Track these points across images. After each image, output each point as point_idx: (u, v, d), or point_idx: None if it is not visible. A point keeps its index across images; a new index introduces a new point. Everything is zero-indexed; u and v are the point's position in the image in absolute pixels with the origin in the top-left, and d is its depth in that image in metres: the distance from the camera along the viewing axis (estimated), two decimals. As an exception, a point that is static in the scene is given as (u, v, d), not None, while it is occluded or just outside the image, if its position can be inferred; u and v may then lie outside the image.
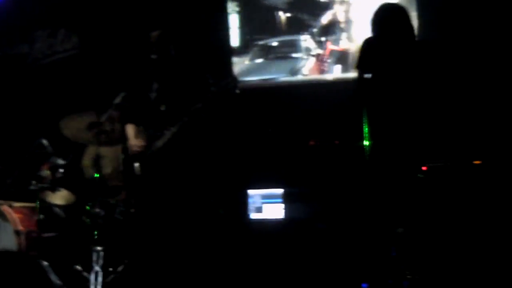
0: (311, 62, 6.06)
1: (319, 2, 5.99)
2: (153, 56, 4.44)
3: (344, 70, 5.96)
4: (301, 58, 6.07)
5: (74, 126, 4.85)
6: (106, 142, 4.82)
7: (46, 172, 4.93)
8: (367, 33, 4.26)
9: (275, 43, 6.22)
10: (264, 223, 5.26)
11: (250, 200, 5.39)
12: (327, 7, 5.98)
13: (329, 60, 6.00)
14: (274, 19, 6.21)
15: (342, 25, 5.96)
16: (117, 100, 4.38)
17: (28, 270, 4.56)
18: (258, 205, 5.38)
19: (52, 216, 5.03)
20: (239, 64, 6.25)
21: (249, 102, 5.83)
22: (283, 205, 5.26)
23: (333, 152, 5.30)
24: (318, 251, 4.72)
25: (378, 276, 3.89)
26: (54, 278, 4.49)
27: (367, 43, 4.24)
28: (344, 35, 5.97)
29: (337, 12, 5.94)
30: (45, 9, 6.78)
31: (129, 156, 4.57)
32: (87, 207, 4.96)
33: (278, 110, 5.87)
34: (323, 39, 6.06)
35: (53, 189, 4.97)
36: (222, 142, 5.31)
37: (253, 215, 5.38)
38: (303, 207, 5.13)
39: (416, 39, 4.28)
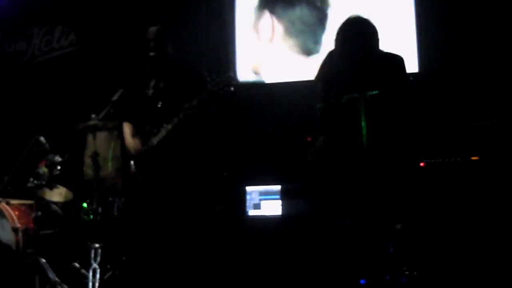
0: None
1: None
2: (151, 53, 4.43)
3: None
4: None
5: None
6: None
7: (43, 169, 4.93)
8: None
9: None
10: (262, 219, 5.26)
11: (248, 197, 5.39)
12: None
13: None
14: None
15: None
16: (115, 97, 4.38)
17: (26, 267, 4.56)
18: (256, 201, 5.38)
19: (50, 213, 5.03)
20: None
21: (247, 99, 5.84)
22: (281, 202, 5.27)
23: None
24: (316, 248, 4.72)
25: (376, 272, 3.89)
26: (51, 275, 4.50)
27: (329, 55, 4.09)
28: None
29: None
30: (42, 6, 6.77)
31: (126, 154, 4.57)
32: (85, 204, 4.97)
33: (276, 106, 5.87)
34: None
35: (51, 186, 4.97)
36: (219, 139, 5.30)
37: (251, 212, 5.38)
38: (301, 204, 5.12)
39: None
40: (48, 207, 5.06)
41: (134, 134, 4.54)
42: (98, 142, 4.57)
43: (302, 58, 5.89)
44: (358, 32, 3.95)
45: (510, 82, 5.29)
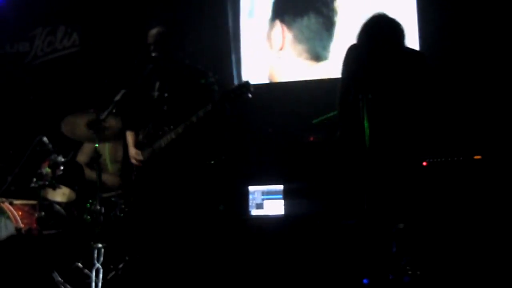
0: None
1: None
2: (154, 54, 4.43)
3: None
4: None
5: (73, 123, 4.86)
6: (105, 139, 4.84)
7: (46, 170, 4.93)
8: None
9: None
10: (264, 219, 5.26)
11: (250, 197, 5.39)
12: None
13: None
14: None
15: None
16: (117, 97, 4.38)
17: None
18: (258, 201, 5.38)
19: (53, 214, 5.04)
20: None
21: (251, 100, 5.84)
22: (283, 202, 5.27)
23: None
24: (319, 247, 4.72)
25: (379, 271, 3.88)
26: (55, 275, 4.50)
27: (354, 50, 4.05)
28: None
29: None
30: (45, 6, 6.77)
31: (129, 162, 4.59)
32: (88, 204, 4.98)
33: (279, 106, 5.87)
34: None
35: (54, 186, 4.97)
36: (223, 139, 5.31)
37: (254, 212, 5.38)
38: (304, 203, 5.12)
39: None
40: (51, 207, 5.06)
41: (136, 142, 4.54)
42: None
43: (311, 64, 6.02)
44: (389, 28, 3.95)
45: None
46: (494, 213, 4.50)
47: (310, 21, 5.98)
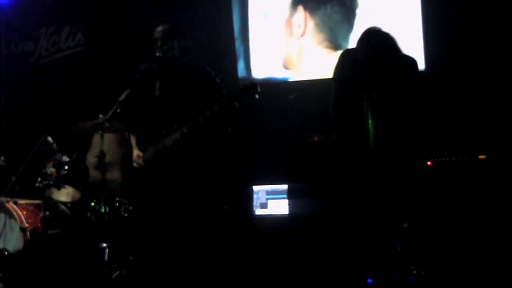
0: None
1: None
2: (158, 54, 4.43)
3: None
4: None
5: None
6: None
7: (51, 169, 4.95)
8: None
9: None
10: (269, 219, 5.26)
11: (255, 196, 5.39)
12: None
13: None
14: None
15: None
16: (122, 97, 4.38)
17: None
18: (263, 201, 5.38)
19: (58, 213, 5.05)
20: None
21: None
22: (287, 201, 5.26)
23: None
24: (323, 247, 4.72)
25: (383, 271, 3.88)
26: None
27: (352, 54, 4.14)
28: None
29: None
30: (49, 7, 6.78)
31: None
32: (92, 204, 4.98)
33: (283, 105, 5.87)
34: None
35: (58, 186, 4.98)
36: (228, 139, 5.31)
37: (258, 211, 5.38)
38: (308, 203, 5.12)
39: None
40: (56, 207, 5.07)
41: (137, 142, 4.54)
42: (105, 143, 4.57)
43: (329, 52, 6.00)
44: (385, 37, 4.06)
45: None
46: (498, 213, 4.49)
47: (333, 9, 5.97)
